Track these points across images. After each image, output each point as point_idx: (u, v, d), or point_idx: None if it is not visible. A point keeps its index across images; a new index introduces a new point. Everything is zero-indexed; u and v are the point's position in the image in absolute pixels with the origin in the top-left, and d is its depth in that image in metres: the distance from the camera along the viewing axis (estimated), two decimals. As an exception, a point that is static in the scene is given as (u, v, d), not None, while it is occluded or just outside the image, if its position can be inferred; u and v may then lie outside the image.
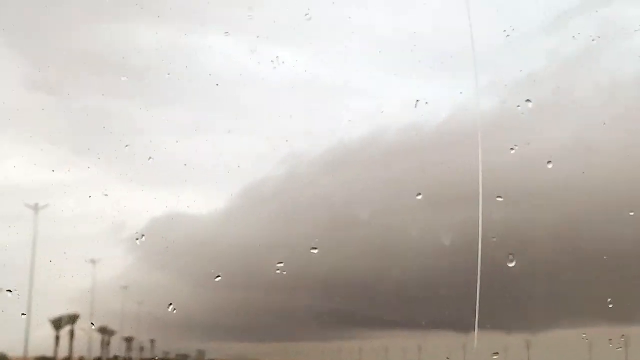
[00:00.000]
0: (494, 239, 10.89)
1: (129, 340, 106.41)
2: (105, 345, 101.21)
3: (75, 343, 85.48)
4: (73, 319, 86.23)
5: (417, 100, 14.31)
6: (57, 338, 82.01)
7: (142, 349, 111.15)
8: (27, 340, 54.67)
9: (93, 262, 59.95)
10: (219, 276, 15.34)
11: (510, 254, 10.91)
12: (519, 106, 13.51)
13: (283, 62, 16.74)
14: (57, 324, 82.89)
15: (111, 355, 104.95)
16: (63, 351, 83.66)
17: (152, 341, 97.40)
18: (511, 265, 11.36)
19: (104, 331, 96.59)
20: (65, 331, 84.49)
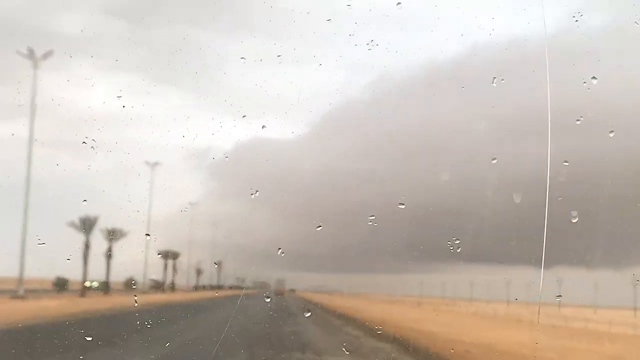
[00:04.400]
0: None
1: (198, 271, 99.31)
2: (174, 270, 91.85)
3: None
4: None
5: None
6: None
7: (199, 271, 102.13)
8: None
9: (173, 187, 53.38)
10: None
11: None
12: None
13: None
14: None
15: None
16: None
17: (218, 263, 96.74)
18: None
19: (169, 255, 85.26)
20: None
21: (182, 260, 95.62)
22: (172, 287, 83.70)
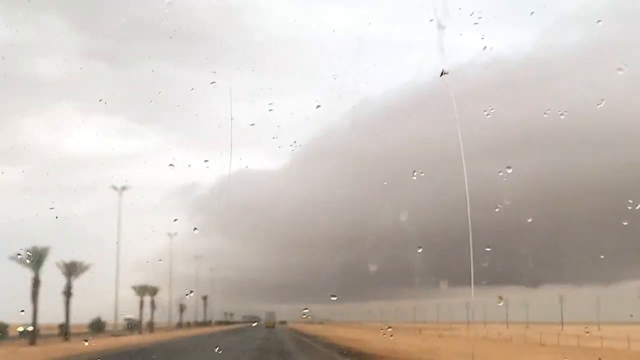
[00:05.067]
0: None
1: (182, 307, 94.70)
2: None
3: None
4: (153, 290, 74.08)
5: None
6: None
7: (182, 307, 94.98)
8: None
9: (158, 225, 49.36)
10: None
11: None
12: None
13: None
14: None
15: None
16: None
17: (204, 298, 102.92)
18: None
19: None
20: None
21: (163, 297, 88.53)
22: (151, 326, 75.26)
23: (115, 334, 57.98)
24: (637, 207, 13.90)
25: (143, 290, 68.63)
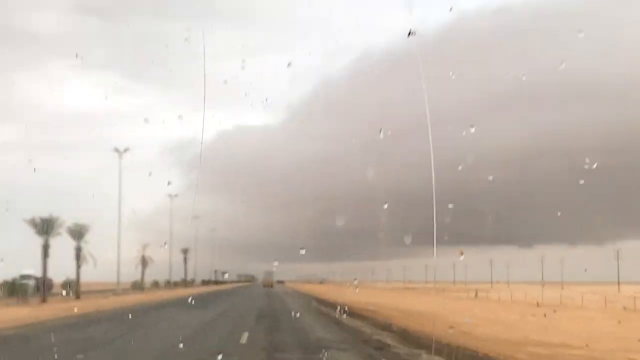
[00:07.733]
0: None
1: (144, 261, 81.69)
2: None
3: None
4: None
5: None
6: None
7: (144, 261, 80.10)
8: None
9: (152, 182, 22.83)
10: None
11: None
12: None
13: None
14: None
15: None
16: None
17: (185, 252, 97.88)
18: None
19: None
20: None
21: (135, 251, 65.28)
22: (72, 288, 47.45)
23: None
24: (594, 167, 14.11)
25: (46, 227, 40.53)
